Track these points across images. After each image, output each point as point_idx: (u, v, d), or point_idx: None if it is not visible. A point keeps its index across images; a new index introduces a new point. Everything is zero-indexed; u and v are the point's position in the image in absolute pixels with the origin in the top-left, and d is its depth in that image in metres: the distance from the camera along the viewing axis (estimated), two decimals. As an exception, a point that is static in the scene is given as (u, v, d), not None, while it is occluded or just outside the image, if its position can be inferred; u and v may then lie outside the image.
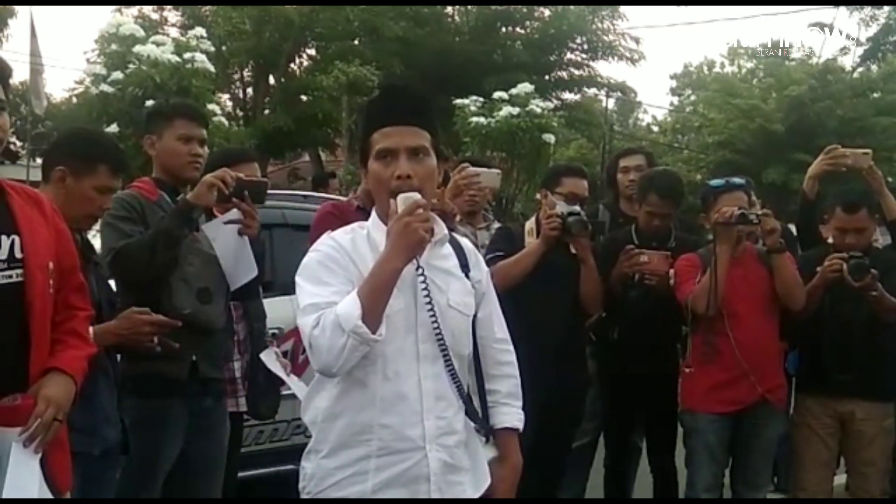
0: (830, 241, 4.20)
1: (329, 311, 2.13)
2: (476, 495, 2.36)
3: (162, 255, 3.11)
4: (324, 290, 2.19)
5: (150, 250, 3.10)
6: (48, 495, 2.28)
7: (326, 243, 2.29)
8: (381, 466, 2.22)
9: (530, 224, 4.32)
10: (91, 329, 2.77)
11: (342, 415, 2.24)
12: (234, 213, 3.33)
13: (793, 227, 4.77)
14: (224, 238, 3.32)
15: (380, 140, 2.26)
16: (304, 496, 2.31)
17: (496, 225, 4.62)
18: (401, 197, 2.17)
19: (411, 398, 2.24)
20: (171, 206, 3.33)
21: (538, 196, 4.41)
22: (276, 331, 4.29)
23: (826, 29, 23.29)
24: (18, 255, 2.30)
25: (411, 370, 2.25)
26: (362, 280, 2.18)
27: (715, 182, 4.26)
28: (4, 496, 2.17)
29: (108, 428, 2.92)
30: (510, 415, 2.48)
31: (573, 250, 4.11)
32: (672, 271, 4.16)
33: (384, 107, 2.36)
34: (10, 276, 2.29)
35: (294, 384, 3.85)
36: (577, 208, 4.11)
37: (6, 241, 2.29)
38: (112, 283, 3.21)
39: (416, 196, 2.16)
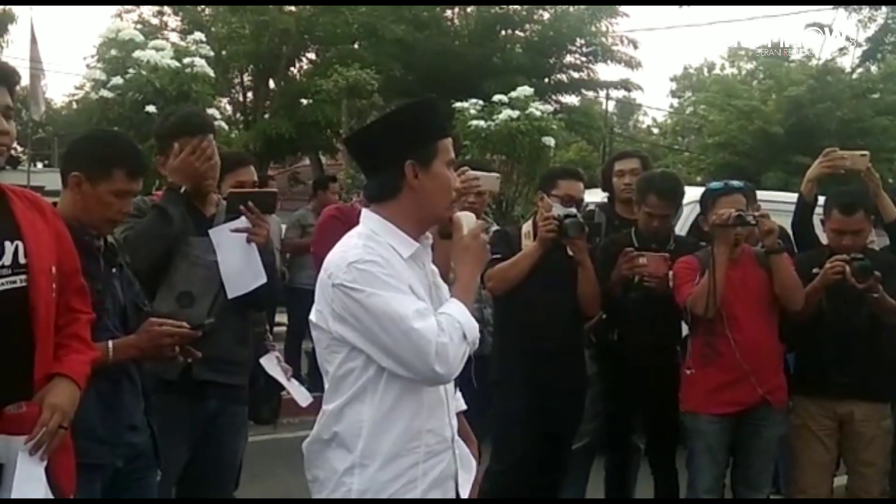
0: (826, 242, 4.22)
1: (445, 318, 2.21)
2: (471, 476, 2.45)
3: (165, 231, 3.20)
4: (411, 298, 2.23)
5: (149, 228, 3.17)
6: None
7: (371, 256, 2.25)
8: (427, 470, 2.27)
9: (527, 227, 4.33)
10: (111, 344, 2.75)
11: (396, 424, 2.24)
12: (242, 221, 3.34)
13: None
14: (229, 245, 3.33)
15: (450, 150, 2.36)
16: None
17: (494, 228, 4.64)
18: (464, 215, 2.36)
19: (444, 400, 2.34)
20: (182, 214, 3.34)
21: (536, 199, 4.43)
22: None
23: (824, 30, 23.31)
24: (22, 260, 2.31)
25: None
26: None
27: (713, 185, 4.28)
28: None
29: (133, 436, 2.86)
30: (460, 400, 2.62)
31: (570, 252, 4.13)
32: (671, 273, 4.17)
33: (444, 117, 2.48)
34: (14, 282, 2.30)
35: (294, 390, 3.87)
36: (573, 210, 4.12)
37: (10, 247, 2.30)
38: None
39: (472, 216, 2.39)
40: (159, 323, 2.89)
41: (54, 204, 2.70)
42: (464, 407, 2.64)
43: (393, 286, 2.21)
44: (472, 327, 2.24)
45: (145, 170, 2.98)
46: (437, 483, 2.29)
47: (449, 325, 2.19)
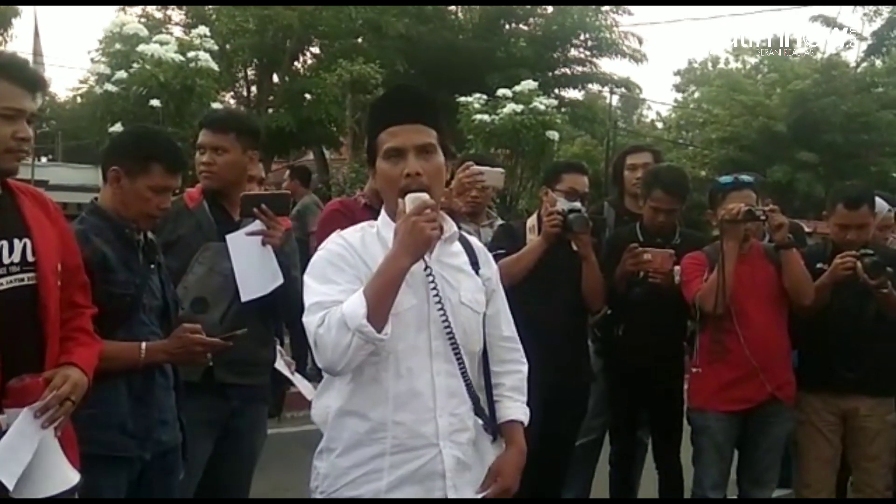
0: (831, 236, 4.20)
1: (335, 309, 2.13)
2: (474, 494, 2.34)
3: None
4: (330, 288, 2.20)
5: None
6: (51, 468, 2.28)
7: (335, 241, 2.30)
8: (396, 464, 2.23)
9: (531, 221, 4.31)
10: (144, 345, 2.76)
11: (355, 413, 2.24)
12: (256, 225, 3.35)
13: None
14: (243, 249, 3.32)
15: (387, 139, 2.27)
16: (316, 496, 2.31)
17: (499, 222, 4.63)
18: (409, 196, 2.18)
19: (425, 395, 2.25)
20: (207, 215, 3.35)
21: (540, 194, 4.41)
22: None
23: (829, 23, 23.25)
24: (30, 258, 2.33)
25: (424, 367, 2.26)
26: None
27: (724, 179, 4.24)
28: None
29: (163, 431, 2.86)
30: (514, 408, 2.48)
31: (574, 247, 4.11)
32: (677, 269, 4.15)
33: (390, 106, 2.37)
34: (23, 280, 2.32)
35: (299, 383, 3.87)
36: (577, 205, 4.10)
37: (18, 245, 2.32)
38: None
39: (425, 196, 2.18)
40: (192, 330, 2.88)
41: (64, 205, 2.70)
42: (520, 417, 2.48)
43: (325, 277, 2.22)
44: (354, 315, 2.08)
45: (184, 166, 2.97)
46: (411, 480, 2.24)
47: (331, 316, 2.12)
